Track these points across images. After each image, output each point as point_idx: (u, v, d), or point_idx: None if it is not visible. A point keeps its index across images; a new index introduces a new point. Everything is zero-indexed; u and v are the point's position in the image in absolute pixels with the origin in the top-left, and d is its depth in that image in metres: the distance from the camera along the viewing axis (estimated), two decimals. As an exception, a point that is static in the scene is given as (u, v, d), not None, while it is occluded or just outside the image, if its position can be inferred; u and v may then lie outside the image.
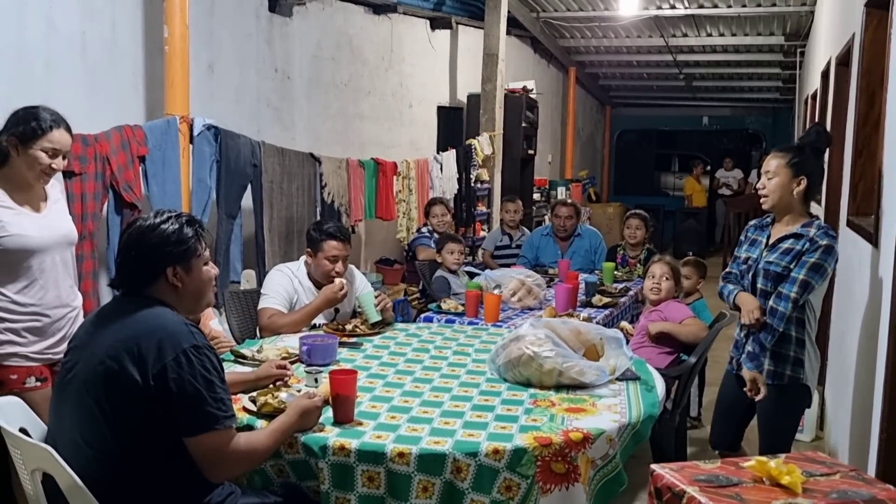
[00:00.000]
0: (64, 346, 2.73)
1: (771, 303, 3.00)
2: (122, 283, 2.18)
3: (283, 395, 2.45)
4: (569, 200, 6.51)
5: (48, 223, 2.81)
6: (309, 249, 3.74)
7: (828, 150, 4.90)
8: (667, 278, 4.07)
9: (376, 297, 3.66)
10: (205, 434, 1.99)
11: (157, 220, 2.17)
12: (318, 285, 3.73)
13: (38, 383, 2.78)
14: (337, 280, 3.61)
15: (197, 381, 1.98)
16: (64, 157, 2.81)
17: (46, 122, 2.73)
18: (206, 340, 2.10)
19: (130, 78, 4.30)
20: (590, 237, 6.16)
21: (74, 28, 3.94)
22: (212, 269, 2.27)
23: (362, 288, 3.88)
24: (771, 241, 3.11)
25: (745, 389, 3.12)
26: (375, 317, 3.60)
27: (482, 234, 8.00)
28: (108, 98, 4.14)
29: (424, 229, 6.25)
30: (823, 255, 2.93)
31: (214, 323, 3.81)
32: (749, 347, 3.09)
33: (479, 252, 6.99)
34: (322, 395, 2.38)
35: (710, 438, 3.50)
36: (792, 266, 2.98)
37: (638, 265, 5.78)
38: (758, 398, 3.06)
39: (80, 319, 2.91)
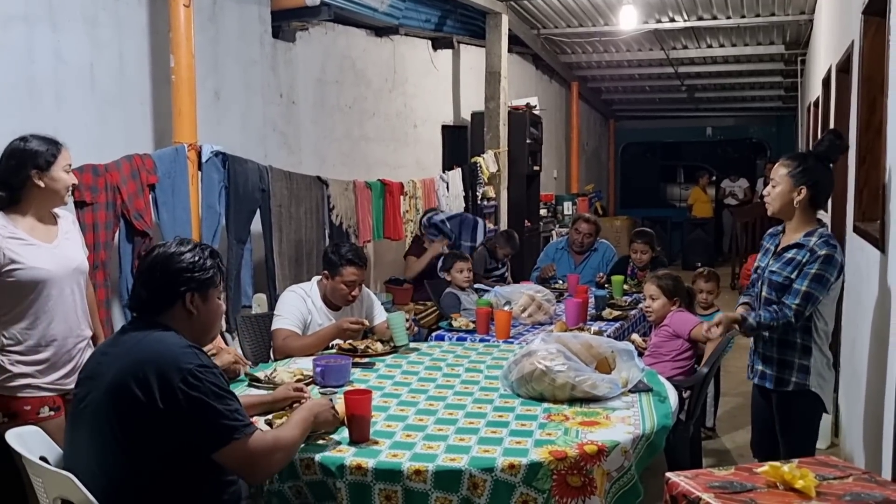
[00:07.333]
0: (75, 376, 2.76)
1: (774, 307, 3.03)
2: (139, 305, 2.21)
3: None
4: (591, 217, 6.42)
5: (61, 253, 2.84)
6: (326, 271, 3.75)
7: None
8: (653, 298, 4.05)
9: (406, 322, 3.66)
10: (229, 445, 2.03)
11: (182, 248, 2.22)
12: (331, 306, 3.76)
13: (52, 413, 2.81)
14: (354, 324, 3.60)
15: (209, 397, 2.01)
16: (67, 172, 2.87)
17: (54, 145, 2.79)
18: (209, 359, 2.13)
19: (139, 108, 4.36)
20: (604, 250, 6.18)
21: (83, 60, 4.00)
22: (223, 304, 2.33)
23: (379, 310, 3.95)
24: (778, 250, 3.14)
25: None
26: (404, 339, 3.59)
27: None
28: (117, 128, 4.20)
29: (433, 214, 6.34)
30: (823, 265, 2.93)
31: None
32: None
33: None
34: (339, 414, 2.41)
35: (751, 445, 3.50)
36: (794, 276, 2.99)
37: (648, 274, 5.78)
38: (709, 335, 3.21)
39: (90, 349, 2.94)
